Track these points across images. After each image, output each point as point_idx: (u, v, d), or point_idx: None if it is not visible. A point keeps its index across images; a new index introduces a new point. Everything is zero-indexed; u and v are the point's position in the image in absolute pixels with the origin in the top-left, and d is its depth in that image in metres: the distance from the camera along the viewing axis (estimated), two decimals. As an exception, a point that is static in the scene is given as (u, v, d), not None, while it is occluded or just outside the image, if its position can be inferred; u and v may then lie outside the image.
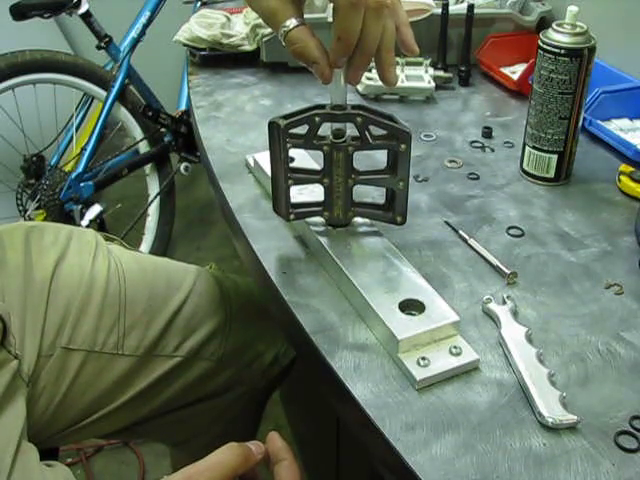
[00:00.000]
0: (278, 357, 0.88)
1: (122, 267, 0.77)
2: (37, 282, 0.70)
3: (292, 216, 0.65)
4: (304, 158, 0.70)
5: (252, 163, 0.79)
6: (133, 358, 0.75)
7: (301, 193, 0.66)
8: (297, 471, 0.54)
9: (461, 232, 0.69)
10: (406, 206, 0.64)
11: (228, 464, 0.52)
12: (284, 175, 0.62)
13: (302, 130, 0.60)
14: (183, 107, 2.09)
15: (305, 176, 0.63)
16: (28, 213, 1.75)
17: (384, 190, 0.65)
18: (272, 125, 0.59)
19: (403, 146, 0.60)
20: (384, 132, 0.60)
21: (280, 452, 0.54)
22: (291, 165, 0.62)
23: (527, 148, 0.79)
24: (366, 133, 0.60)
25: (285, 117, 0.59)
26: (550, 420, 0.48)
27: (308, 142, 0.61)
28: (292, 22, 0.55)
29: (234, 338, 0.83)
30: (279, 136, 0.59)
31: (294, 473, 0.54)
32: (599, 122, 0.86)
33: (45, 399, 0.69)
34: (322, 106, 0.60)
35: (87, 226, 1.77)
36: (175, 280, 0.81)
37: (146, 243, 2.03)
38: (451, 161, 0.83)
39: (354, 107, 0.60)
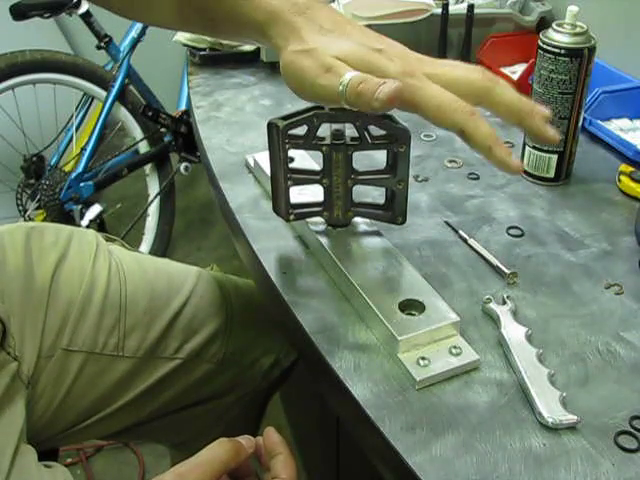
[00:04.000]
0: (279, 359, 0.88)
1: (123, 268, 0.77)
2: (37, 283, 0.70)
3: (292, 216, 0.65)
4: (304, 158, 0.70)
5: (252, 163, 0.79)
6: (133, 360, 0.74)
7: (301, 193, 0.66)
8: (293, 464, 0.54)
9: (461, 232, 0.69)
10: (406, 206, 0.64)
11: (219, 459, 0.52)
12: (284, 176, 0.62)
13: (301, 131, 0.60)
14: (183, 107, 2.09)
15: (305, 177, 0.63)
16: (28, 213, 1.75)
17: (384, 190, 0.65)
18: (271, 126, 0.59)
19: (402, 146, 0.60)
20: (383, 132, 0.60)
21: (276, 446, 0.55)
22: (291, 165, 0.62)
23: (527, 148, 0.79)
24: (365, 133, 0.60)
25: (284, 118, 0.59)
26: (550, 420, 0.48)
27: (307, 143, 0.61)
28: (354, 72, 0.50)
29: (235, 340, 0.83)
30: (278, 137, 0.59)
31: (290, 466, 0.54)
32: (599, 122, 0.86)
33: (45, 401, 0.69)
34: (321, 107, 0.60)
35: (87, 226, 1.77)
36: (176, 281, 0.80)
37: (146, 243, 2.03)
38: (451, 161, 0.83)
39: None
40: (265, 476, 0.55)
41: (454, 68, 0.54)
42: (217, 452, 0.52)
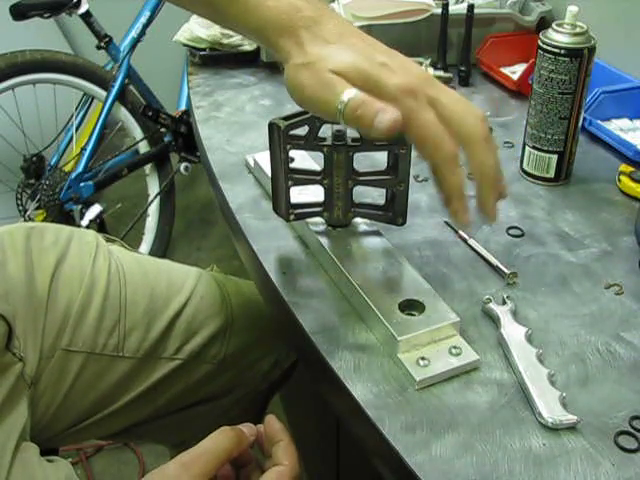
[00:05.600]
0: (279, 360, 0.88)
1: (123, 268, 0.77)
2: (38, 283, 0.70)
3: (292, 216, 0.65)
4: (304, 158, 0.70)
5: (252, 163, 0.79)
6: (133, 360, 0.74)
7: (301, 193, 0.66)
8: (294, 451, 0.54)
9: (461, 232, 0.69)
10: (406, 207, 0.64)
11: (222, 448, 0.52)
12: (284, 176, 0.62)
13: (302, 131, 0.60)
14: (183, 107, 2.08)
15: (305, 177, 0.64)
16: (28, 213, 1.75)
17: (384, 191, 0.65)
18: (272, 126, 0.59)
19: (404, 148, 0.60)
20: None
21: (277, 433, 0.55)
22: (291, 166, 0.62)
23: (527, 148, 0.79)
24: None
25: (285, 118, 0.59)
26: (550, 420, 0.48)
27: (308, 143, 0.61)
28: (353, 90, 0.50)
29: (235, 341, 0.83)
30: (279, 138, 0.59)
31: (291, 453, 0.54)
32: (599, 122, 0.86)
33: (46, 401, 0.69)
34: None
35: (87, 226, 1.77)
36: (176, 282, 0.80)
37: (146, 243, 2.03)
38: (451, 161, 0.83)
39: None
40: (266, 463, 0.55)
41: (457, 102, 0.52)
42: (220, 441, 0.53)
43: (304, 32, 0.52)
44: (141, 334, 0.75)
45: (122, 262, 0.78)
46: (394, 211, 0.64)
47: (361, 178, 0.63)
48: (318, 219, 0.66)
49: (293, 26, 0.52)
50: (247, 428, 0.56)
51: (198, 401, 0.83)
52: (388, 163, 0.63)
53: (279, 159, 0.61)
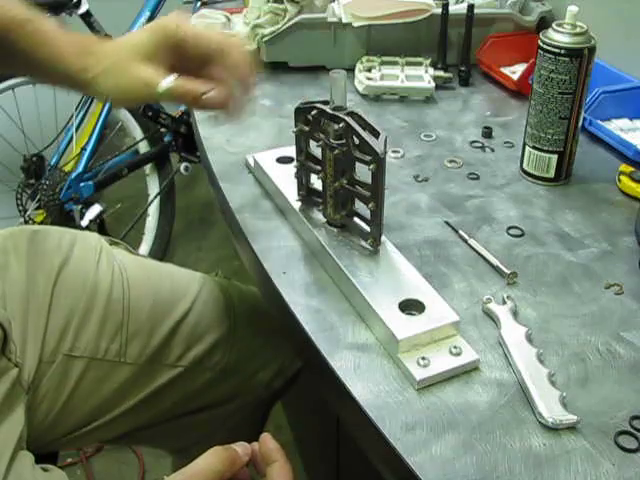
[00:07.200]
0: (282, 369, 0.86)
1: (126, 273, 0.76)
2: (40, 287, 0.69)
3: (299, 197, 0.67)
4: None
5: (252, 163, 0.79)
6: (135, 366, 0.74)
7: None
8: (289, 472, 0.53)
9: (461, 232, 0.69)
10: (380, 229, 0.62)
11: (214, 469, 0.51)
12: (296, 156, 0.66)
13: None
14: (183, 107, 2.08)
15: (312, 165, 0.65)
16: (28, 213, 1.75)
17: None
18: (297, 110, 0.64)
19: (373, 165, 0.58)
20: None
21: (272, 453, 0.54)
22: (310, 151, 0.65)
23: (527, 148, 0.79)
24: (349, 140, 0.60)
25: (304, 103, 0.63)
26: (550, 420, 0.48)
27: (312, 131, 0.63)
28: (171, 77, 0.59)
29: (238, 348, 0.81)
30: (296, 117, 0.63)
31: (286, 474, 0.53)
32: (599, 122, 0.86)
33: (46, 406, 0.69)
34: (327, 102, 0.61)
35: (87, 226, 1.77)
36: (180, 287, 0.79)
37: (146, 243, 2.02)
38: (451, 161, 0.83)
39: (350, 113, 0.60)
40: None
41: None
42: (212, 462, 0.51)
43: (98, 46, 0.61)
44: (144, 340, 0.74)
45: (125, 266, 0.77)
46: (371, 229, 0.62)
47: (346, 185, 0.62)
48: (318, 218, 0.66)
49: (86, 47, 0.61)
50: (241, 448, 0.54)
51: (199, 408, 0.81)
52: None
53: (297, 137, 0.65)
